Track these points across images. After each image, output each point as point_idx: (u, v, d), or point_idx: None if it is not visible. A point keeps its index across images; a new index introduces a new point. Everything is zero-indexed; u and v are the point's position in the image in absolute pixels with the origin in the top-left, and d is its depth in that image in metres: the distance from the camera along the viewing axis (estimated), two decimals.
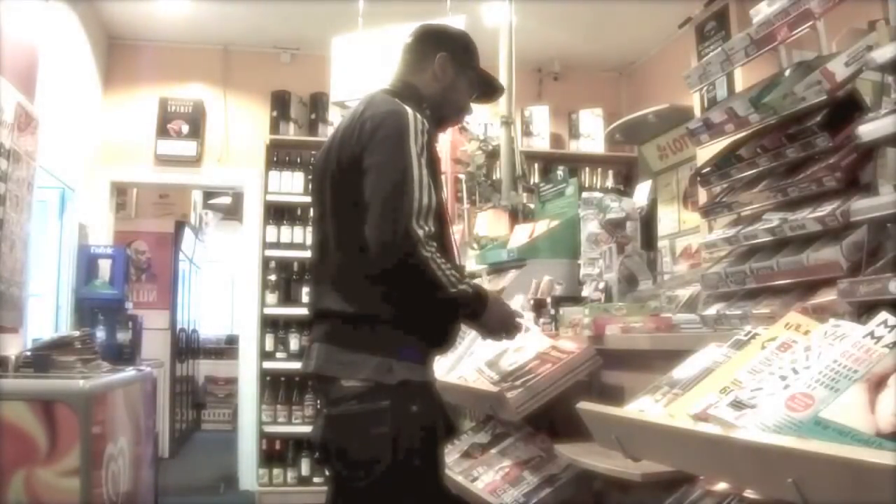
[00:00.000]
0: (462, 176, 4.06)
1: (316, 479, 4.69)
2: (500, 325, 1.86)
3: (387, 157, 1.68)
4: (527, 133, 5.37)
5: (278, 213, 5.01)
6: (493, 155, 4.08)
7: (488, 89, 2.03)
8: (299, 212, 5.04)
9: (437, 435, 1.79)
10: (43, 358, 2.74)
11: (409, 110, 1.72)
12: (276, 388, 4.83)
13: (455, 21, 3.79)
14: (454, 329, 1.89)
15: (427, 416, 1.73)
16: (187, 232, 7.01)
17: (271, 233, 4.96)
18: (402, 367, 1.70)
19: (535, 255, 3.00)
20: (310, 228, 4.86)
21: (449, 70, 1.89)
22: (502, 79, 3.90)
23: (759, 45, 1.74)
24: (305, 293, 4.85)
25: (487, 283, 3.24)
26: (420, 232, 1.61)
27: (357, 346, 1.71)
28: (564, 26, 4.89)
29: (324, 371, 1.76)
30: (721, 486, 1.37)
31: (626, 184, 5.16)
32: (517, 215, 3.77)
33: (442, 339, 1.85)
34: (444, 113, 1.93)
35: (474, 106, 2.05)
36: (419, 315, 1.74)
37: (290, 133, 5.13)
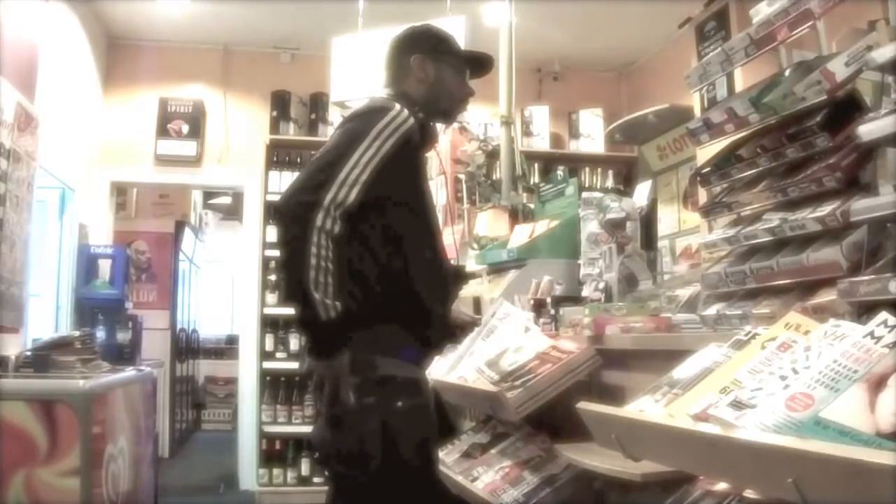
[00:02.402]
0: (462, 176, 4.05)
1: (316, 479, 4.68)
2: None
3: (347, 129, 1.75)
4: (527, 133, 5.37)
5: None
6: (493, 155, 4.08)
7: (477, 64, 2.04)
8: None
9: (427, 432, 1.80)
10: (43, 358, 2.74)
11: (398, 106, 1.76)
12: (276, 388, 4.83)
13: (455, 21, 3.79)
14: (441, 329, 1.90)
15: (413, 413, 1.75)
16: (187, 232, 7.01)
17: (271, 233, 4.95)
18: (387, 364, 1.71)
19: (535, 255, 3.00)
20: None
21: (428, 67, 1.92)
22: (502, 79, 3.90)
23: (759, 45, 1.74)
24: None
25: (487, 283, 3.24)
26: (328, 195, 1.61)
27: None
28: (564, 26, 4.89)
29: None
30: (721, 486, 1.36)
31: (626, 184, 5.16)
32: (517, 215, 3.76)
33: (429, 340, 1.85)
34: (442, 106, 1.95)
35: (474, 87, 2.05)
36: (409, 314, 1.76)
37: (290, 133, 5.13)
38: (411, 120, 1.76)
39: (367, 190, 1.66)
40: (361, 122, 1.74)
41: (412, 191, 1.82)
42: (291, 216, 1.63)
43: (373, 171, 1.66)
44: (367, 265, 1.70)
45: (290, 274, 1.64)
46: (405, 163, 1.76)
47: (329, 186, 1.62)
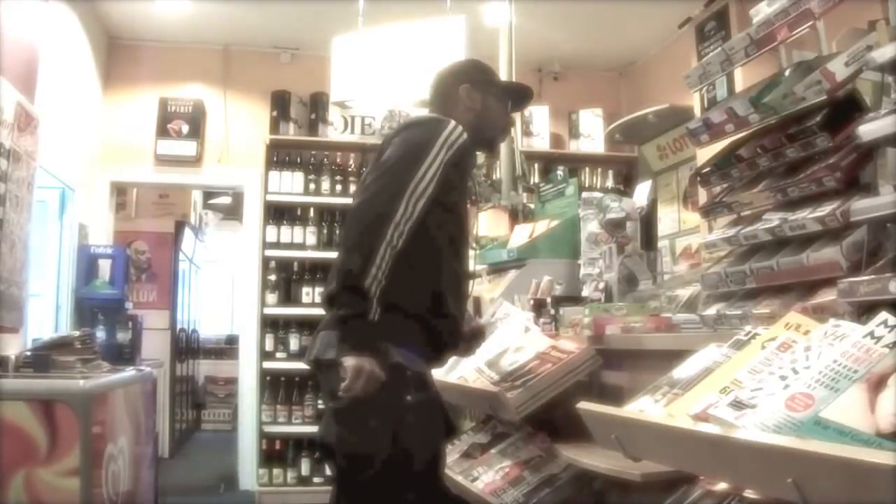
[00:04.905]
0: None
1: (316, 479, 4.69)
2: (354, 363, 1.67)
3: (412, 137, 1.81)
4: (527, 133, 5.36)
5: (278, 213, 5.01)
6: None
7: (519, 96, 2.16)
8: (299, 212, 5.04)
9: (435, 427, 1.81)
10: (43, 358, 2.74)
11: (453, 122, 1.84)
12: (276, 388, 4.83)
13: (455, 21, 3.80)
14: (455, 336, 1.91)
15: (423, 407, 1.75)
16: (187, 232, 7.00)
17: (271, 233, 4.95)
18: (399, 354, 1.72)
19: (535, 255, 3.01)
20: (310, 228, 4.91)
21: (475, 96, 2.01)
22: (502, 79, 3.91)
23: (759, 45, 1.75)
24: (305, 293, 4.86)
25: (487, 283, 3.24)
26: (400, 209, 1.69)
27: None
28: (564, 26, 4.89)
29: (323, 355, 1.77)
30: (721, 486, 1.37)
31: (626, 184, 5.15)
32: (517, 215, 3.77)
33: (442, 343, 1.86)
34: (487, 134, 2.05)
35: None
36: (431, 315, 1.77)
37: (290, 133, 5.13)
38: (465, 135, 1.83)
39: (430, 201, 1.74)
40: (424, 132, 1.82)
41: (454, 202, 1.89)
42: (365, 226, 1.70)
43: (436, 184, 1.75)
44: (401, 262, 1.71)
45: (348, 274, 1.68)
46: (454, 175, 1.83)
47: (401, 199, 1.70)
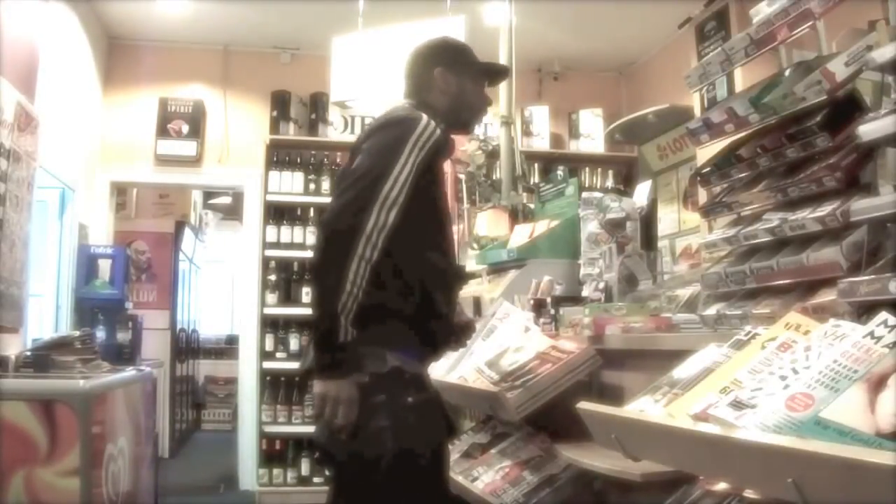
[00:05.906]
0: (462, 176, 4.06)
1: (316, 479, 4.68)
2: (330, 392, 1.67)
3: (381, 142, 1.76)
4: (527, 133, 5.37)
5: (278, 213, 5.01)
6: (493, 155, 4.08)
7: (493, 75, 2.12)
8: (299, 212, 5.04)
9: (437, 426, 1.80)
10: (43, 358, 2.74)
11: (425, 117, 1.79)
12: (276, 388, 4.83)
13: (455, 21, 3.80)
14: (447, 333, 1.90)
15: (423, 408, 1.75)
16: (187, 232, 7.00)
17: (271, 233, 4.96)
18: (395, 358, 1.72)
19: (535, 255, 3.00)
20: (310, 228, 4.91)
21: (450, 79, 1.96)
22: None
23: (759, 45, 1.75)
24: (305, 293, 4.85)
25: (487, 283, 3.24)
26: (370, 221, 1.65)
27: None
28: (564, 26, 4.89)
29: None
30: (721, 486, 1.37)
31: (626, 184, 5.15)
32: (517, 215, 3.77)
33: (435, 342, 1.86)
34: (463, 117, 2.00)
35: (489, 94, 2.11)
36: (421, 316, 1.76)
37: (290, 133, 5.13)
38: (438, 131, 1.78)
39: (404, 205, 1.70)
40: (394, 134, 1.76)
41: (433, 198, 1.85)
42: (335, 240, 1.66)
43: (409, 189, 1.70)
44: (386, 265, 1.70)
45: (322, 294, 1.66)
46: (430, 172, 1.79)
47: (371, 210, 1.65)
